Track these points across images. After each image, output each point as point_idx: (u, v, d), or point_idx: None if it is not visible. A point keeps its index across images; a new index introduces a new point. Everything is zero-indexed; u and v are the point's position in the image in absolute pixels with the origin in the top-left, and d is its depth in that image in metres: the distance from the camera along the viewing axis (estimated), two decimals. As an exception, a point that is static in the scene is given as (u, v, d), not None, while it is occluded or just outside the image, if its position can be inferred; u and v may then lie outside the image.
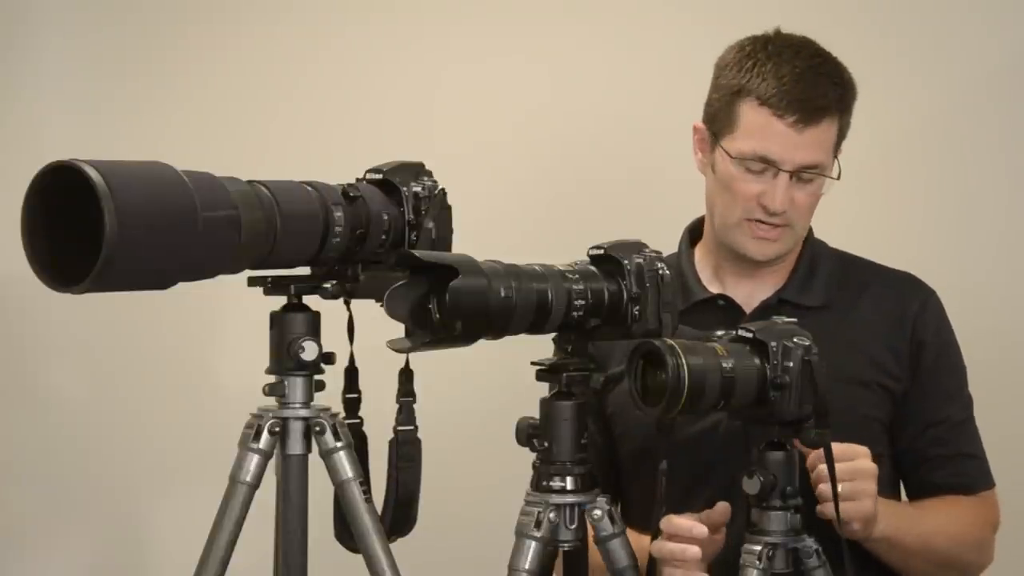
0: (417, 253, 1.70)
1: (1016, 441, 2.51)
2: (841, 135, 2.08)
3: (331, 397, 1.97)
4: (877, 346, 2.11)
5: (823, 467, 1.81)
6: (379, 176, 1.97)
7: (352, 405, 2.02)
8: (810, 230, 2.18)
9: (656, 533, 1.84)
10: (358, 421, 2.02)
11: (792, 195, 2.04)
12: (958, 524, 2.09)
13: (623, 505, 2.11)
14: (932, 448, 2.12)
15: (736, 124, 2.05)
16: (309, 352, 1.90)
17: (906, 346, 2.12)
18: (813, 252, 2.17)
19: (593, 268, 1.80)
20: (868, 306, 2.14)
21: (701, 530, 1.82)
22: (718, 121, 2.08)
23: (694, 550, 1.82)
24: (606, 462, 2.16)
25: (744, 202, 2.05)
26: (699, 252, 2.20)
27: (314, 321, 1.93)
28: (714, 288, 2.15)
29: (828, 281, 2.15)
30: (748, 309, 2.12)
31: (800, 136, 2.02)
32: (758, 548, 1.77)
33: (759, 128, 2.02)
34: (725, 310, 2.11)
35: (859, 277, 2.18)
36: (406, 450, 2.00)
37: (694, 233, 2.22)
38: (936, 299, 2.17)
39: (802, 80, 2.02)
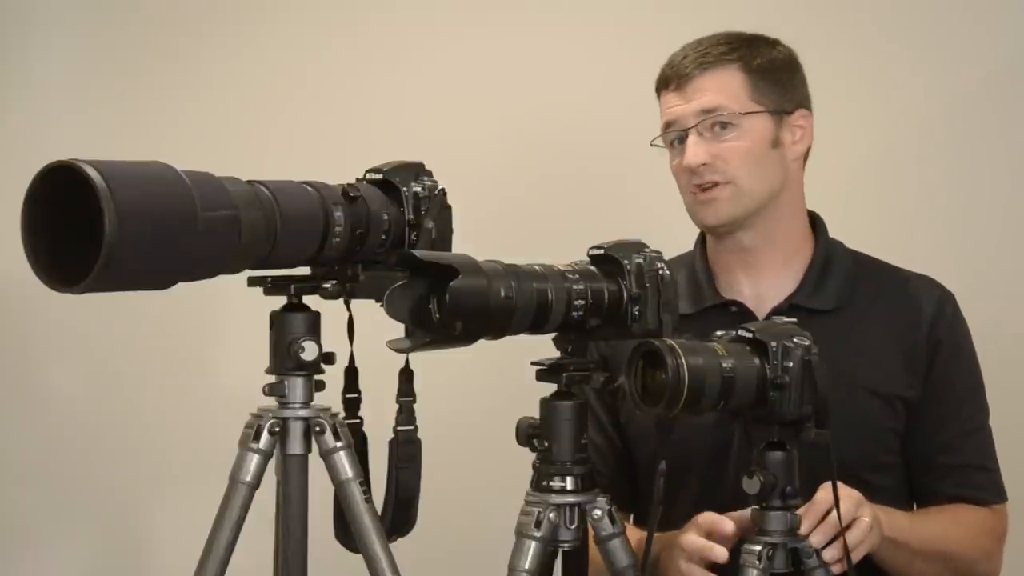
0: (417, 253, 1.70)
1: (1017, 443, 2.50)
2: (755, 87, 2.07)
3: (331, 397, 1.97)
4: (893, 352, 2.08)
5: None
6: (379, 176, 1.97)
7: (352, 405, 2.02)
8: (825, 230, 2.17)
9: (652, 534, 1.83)
10: (358, 421, 2.02)
11: (710, 149, 2.05)
12: (966, 530, 2.05)
13: (642, 506, 2.11)
14: (941, 456, 2.09)
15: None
16: (309, 352, 1.90)
17: (922, 349, 2.09)
18: (827, 254, 2.14)
19: (593, 268, 1.80)
20: (883, 308, 2.11)
21: (729, 526, 1.83)
22: None
23: (722, 550, 1.82)
24: (624, 464, 2.15)
25: (679, 178, 2.10)
26: (709, 252, 2.19)
27: (314, 321, 1.92)
28: (727, 292, 2.14)
29: (842, 282, 2.12)
30: (760, 315, 2.09)
31: (683, 93, 2.08)
32: (758, 548, 1.77)
33: (662, 108, 2.12)
34: (739, 316, 2.08)
35: (874, 278, 2.15)
36: (406, 450, 2.00)
37: None
38: (954, 302, 2.13)
39: (685, 56, 2.10)
